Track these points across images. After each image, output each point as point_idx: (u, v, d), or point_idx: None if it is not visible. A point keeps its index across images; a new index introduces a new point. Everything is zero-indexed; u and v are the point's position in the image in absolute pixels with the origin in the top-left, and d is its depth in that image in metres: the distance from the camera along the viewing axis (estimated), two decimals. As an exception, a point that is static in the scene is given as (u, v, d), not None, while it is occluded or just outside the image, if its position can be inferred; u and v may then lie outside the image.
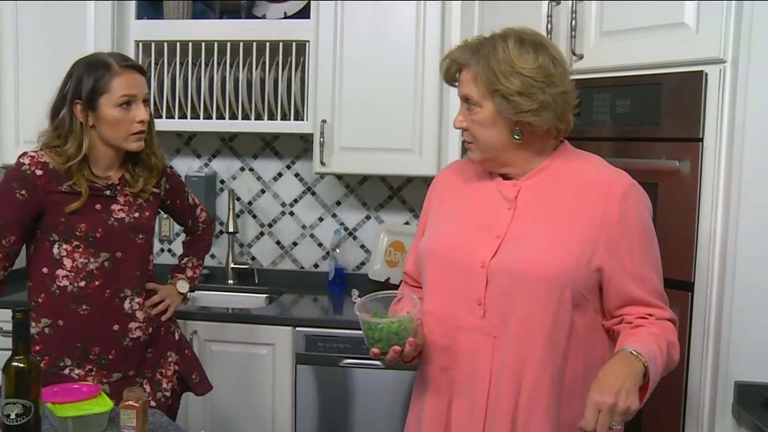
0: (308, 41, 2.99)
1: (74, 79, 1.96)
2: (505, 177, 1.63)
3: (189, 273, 2.31)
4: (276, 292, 3.21)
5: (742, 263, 1.84)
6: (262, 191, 3.42)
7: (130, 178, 2.03)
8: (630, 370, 1.41)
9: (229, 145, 3.42)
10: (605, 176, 1.58)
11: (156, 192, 2.09)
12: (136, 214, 2.03)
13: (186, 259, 2.34)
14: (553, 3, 2.18)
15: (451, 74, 1.62)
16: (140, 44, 3.11)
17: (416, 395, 1.72)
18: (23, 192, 1.92)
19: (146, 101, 1.99)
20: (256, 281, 3.31)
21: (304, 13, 3.09)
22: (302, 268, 3.41)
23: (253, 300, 3.23)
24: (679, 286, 1.91)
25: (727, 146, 1.83)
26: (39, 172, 1.92)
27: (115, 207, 2.00)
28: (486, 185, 1.65)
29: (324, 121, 2.91)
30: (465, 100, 1.57)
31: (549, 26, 2.19)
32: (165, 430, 1.66)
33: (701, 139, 1.87)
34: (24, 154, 1.97)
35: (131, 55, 3.04)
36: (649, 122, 1.97)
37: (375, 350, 1.52)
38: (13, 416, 1.48)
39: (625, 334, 1.53)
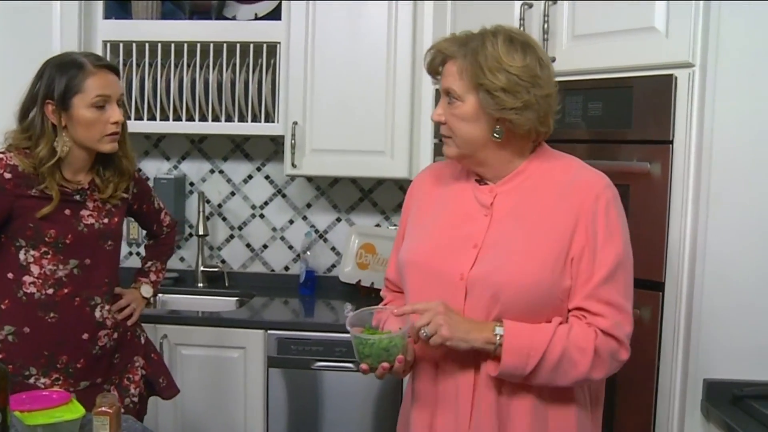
0: (279, 43, 2.97)
1: (45, 79, 1.92)
2: (481, 181, 1.62)
3: (152, 277, 2.29)
4: (246, 295, 3.19)
5: (711, 263, 1.88)
6: (232, 194, 3.39)
7: (100, 183, 1.99)
8: (474, 327, 1.47)
9: (198, 147, 3.39)
10: (581, 178, 1.56)
11: (125, 197, 2.06)
12: (106, 220, 2.00)
13: (150, 263, 2.31)
14: (526, 6, 2.20)
15: (434, 66, 1.59)
16: (108, 44, 3.06)
17: (404, 408, 1.71)
18: None
19: (120, 102, 1.96)
20: (227, 284, 3.28)
21: (275, 15, 3.08)
22: (273, 270, 3.39)
23: (224, 303, 3.20)
24: (649, 285, 1.94)
25: (696, 148, 1.87)
26: (8, 176, 1.88)
27: (84, 212, 1.96)
28: (463, 191, 1.64)
29: (295, 123, 2.90)
30: (447, 93, 1.55)
31: (521, 28, 2.20)
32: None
33: (671, 142, 1.90)
34: None
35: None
36: (620, 125, 2.00)
37: (364, 366, 1.50)
38: (-16, 423, 1.45)
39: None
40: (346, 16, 2.88)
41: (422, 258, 1.61)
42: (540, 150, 1.62)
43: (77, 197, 1.95)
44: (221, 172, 3.39)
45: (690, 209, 1.88)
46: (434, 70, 1.60)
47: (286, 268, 3.38)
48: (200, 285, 3.29)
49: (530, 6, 2.20)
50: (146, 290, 2.23)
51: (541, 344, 1.44)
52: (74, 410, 1.61)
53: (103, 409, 1.52)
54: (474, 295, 1.52)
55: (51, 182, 1.89)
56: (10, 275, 1.93)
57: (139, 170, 2.23)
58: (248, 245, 3.39)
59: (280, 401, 2.74)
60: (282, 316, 2.97)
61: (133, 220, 2.98)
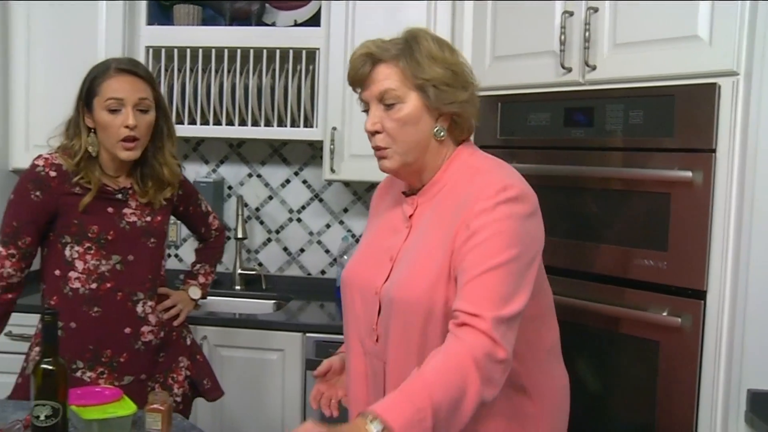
0: (318, 49, 3.01)
1: (82, 81, 2.00)
2: (408, 193, 1.59)
3: (201, 279, 2.33)
4: (283, 298, 3.23)
5: (754, 272, 1.86)
6: (270, 197, 3.43)
7: (138, 189, 2.03)
8: None
9: (237, 151, 3.44)
10: (478, 184, 1.45)
11: (168, 198, 2.10)
12: (148, 218, 2.04)
13: (198, 266, 2.36)
14: (567, 14, 2.21)
15: (364, 73, 1.50)
16: (150, 50, 3.13)
17: None
18: (38, 193, 1.95)
19: (143, 109, 1.96)
20: (264, 287, 3.33)
21: (314, 21, 3.12)
22: (309, 274, 3.43)
23: (261, 306, 3.24)
24: (692, 294, 1.93)
25: (740, 157, 1.86)
26: (53, 174, 1.95)
27: (127, 211, 2.01)
28: (398, 203, 1.62)
29: (334, 129, 2.93)
30: (381, 98, 1.49)
31: (562, 37, 2.21)
32: (181, 428, 1.67)
33: (714, 150, 1.89)
34: (39, 156, 2.00)
35: (141, 60, 3.06)
36: (661, 133, 2.00)
37: None
38: (42, 417, 1.49)
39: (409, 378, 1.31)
40: (383, 22, 2.91)
41: (351, 274, 1.61)
42: (461, 150, 1.56)
43: (119, 196, 2.01)
44: (259, 176, 3.43)
45: (733, 217, 1.87)
46: (361, 77, 1.52)
47: (323, 272, 3.41)
48: (237, 287, 3.34)
49: (571, 14, 2.20)
50: (194, 292, 2.27)
51: (423, 402, 1.24)
52: (126, 407, 1.66)
53: (156, 406, 1.57)
54: (383, 310, 1.50)
55: (87, 175, 1.95)
56: (57, 272, 1.99)
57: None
58: (285, 249, 3.44)
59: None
60: (319, 320, 3.00)
61: (173, 222, 3.10)
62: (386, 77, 1.48)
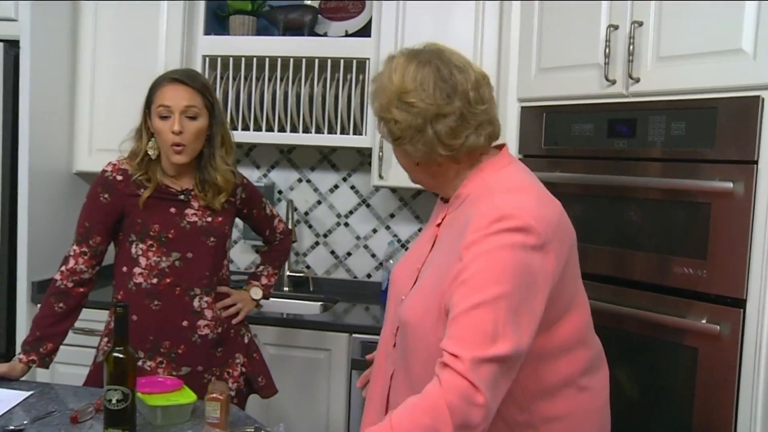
0: (368, 59, 3.11)
1: (149, 89, 2.14)
2: (444, 199, 1.59)
3: (264, 281, 2.42)
4: (330, 300, 3.32)
5: (794, 282, 1.90)
6: (319, 202, 3.54)
7: (198, 191, 2.15)
8: None
9: (287, 157, 3.56)
10: (481, 210, 1.39)
11: (231, 200, 2.21)
12: (209, 219, 2.15)
13: (262, 267, 2.45)
14: (612, 28, 2.27)
15: None
16: (207, 59, 3.26)
17: None
18: (106, 196, 2.09)
19: (191, 116, 2.05)
20: (311, 289, 3.44)
21: (365, 31, 3.22)
22: (355, 277, 3.52)
23: (308, 307, 3.34)
24: (731, 302, 1.97)
25: (782, 169, 1.90)
26: (119, 178, 2.09)
27: (189, 211, 2.13)
28: (437, 212, 1.64)
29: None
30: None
31: (607, 50, 2.27)
32: (243, 422, 1.77)
33: (756, 162, 1.93)
34: (108, 163, 2.14)
35: (198, 68, 3.20)
36: (703, 144, 2.04)
37: None
38: (114, 401, 1.61)
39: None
40: (432, 34, 2.99)
41: (394, 276, 1.64)
42: (485, 163, 1.51)
43: (182, 197, 2.13)
44: (308, 181, 3.55)
45: (773, 228, 1.91)
46: None
47: (368, 276, 3.51)
48: (286, 289, 3.45)
49: (616, 28, 2.26)
50: (255, 292, 2.37)
51: None
52: (187, 396, 1.77)
53: (215, 395, 1.67)
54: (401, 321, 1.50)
55: (147, 173, 2.09)
56: (124, 269, 2.12)
57: (247, 179, 2.35)
58: (332, 252, 3.54)
59: (362, 401, 2.84)
60: (365, 321, 3.09)
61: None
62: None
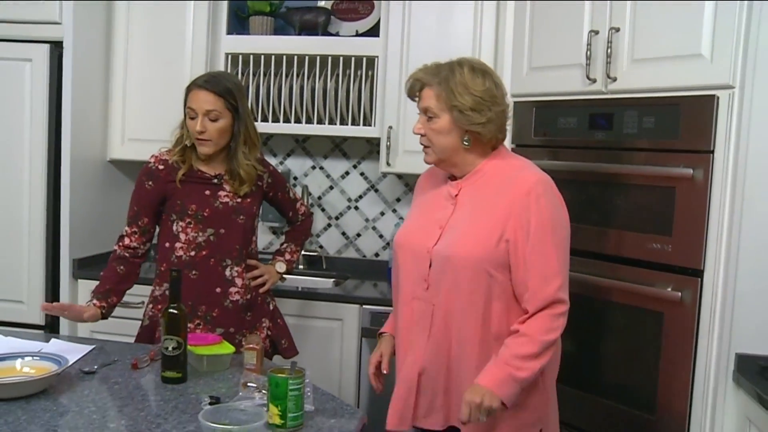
0: (377, 56, 3.40)
1: None
2: (453, 178, 2.03)
3: (287, 256, 2.73)
4: (341, 277, 3.64)
5: (744, 254, 2.21)
6: (331, 187, 3.85)
7: (229, 177, 2.45)
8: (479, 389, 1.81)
9: (302, 146, 3.87)
10: (518, 176, 1.92)
11: (259, 185, 2.52)
12: (239, 200, 2.45)
13: (285, 245, 2.77)
14: (593, 33, 2.57)
15: (414, 91, 2.01)
16: (229, 56, 3.55)
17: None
18: (150, 183, 2.41)
19: (212, 118, 2.34)
20: (324, 267, 3.76)
21: (373, 31, 3.52)
22: (364, 256, 3.84)
23: (322, 283, 3.66)
24: (690, 272, 2.29)
25: (733, 157, 2.20)
26: (161, 167, 2.41)
27: (221, 193, 2.43)
28: (441, 186, 2.05)
29: (390, 128, 3.33)
30: (425, 111, 1.96)
31: (588, 52, 2.58)
32: (269, 366, 2.09)
33: (712, 151, 2.24)
34: (151, 155, 2.46)
35: (221, 65, 3.51)
36: (669, 136, 2.35)
37: None
38: (170, 349, 1.94)
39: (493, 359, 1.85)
40: (435, 36, 3.27)
41: (405, 236, 2.05)
42: (497, 151, 2.01)
43: (215, 181, 2.44)
44: (321, 168, 3.86)
45: (727, 208, 2.21)
46: (413, 94, 2.02)
47: (376, 255, 3.82)
48: (301, 267, 3.76)
49: (596, 33, 2.56)
50: (280, 266, 2.68)
51: (506, 377, 1.80)
52: (226, 347, 2.10)
53: (252, 345, 2.00)
54: (435, 264, 1.93)
55: (183, 156, 2.40)
56: (167, 244, 2.44)
57: (272, 166, 2.65)
58: (343, 233, 3.85)
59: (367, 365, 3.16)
60: (374, 294, 3.40)
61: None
62: (428, 97, 1.95)
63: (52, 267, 3.37)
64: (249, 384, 1.82)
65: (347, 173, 3.84)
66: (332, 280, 3.67)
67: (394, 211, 3.79)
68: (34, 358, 1.93)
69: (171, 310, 1.96)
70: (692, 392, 2.31)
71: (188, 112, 2.37)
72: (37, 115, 3.27)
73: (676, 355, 2.34)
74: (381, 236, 3.81)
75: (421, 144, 2.01)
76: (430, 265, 1.95)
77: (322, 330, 3.22)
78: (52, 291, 3.37)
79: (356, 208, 3.84)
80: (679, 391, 2.33)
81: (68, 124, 3.30)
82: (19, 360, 1.91)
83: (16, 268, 3.33)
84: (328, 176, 3.86)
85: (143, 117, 3.56)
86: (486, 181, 1.97)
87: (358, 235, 3.85)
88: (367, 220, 3.83)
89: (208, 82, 2.39)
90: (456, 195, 1.99)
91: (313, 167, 3.87)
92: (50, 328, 3.29)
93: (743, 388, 2.19)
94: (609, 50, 2.51)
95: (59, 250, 3.36)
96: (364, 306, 3.18)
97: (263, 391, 1.78)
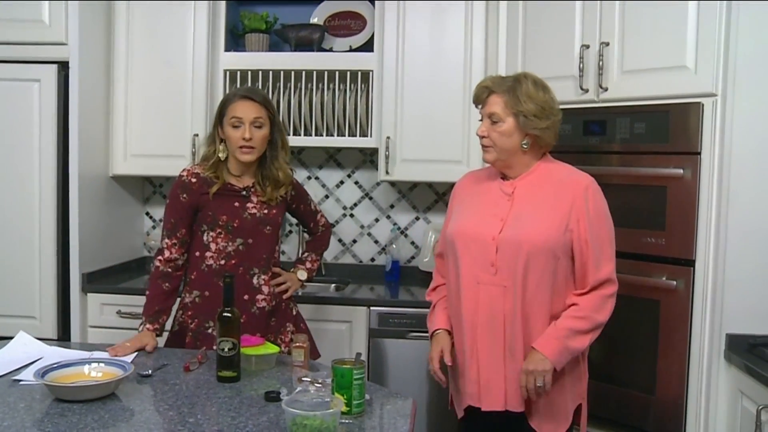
0: (372, 70, 3.58)
1: (219, 105, 2.60)
2: (505, 178, 2.26)
3: (308, 265, 2.86)
4: (342, 282, 3.80)
5: (731, 244, 2.46)
6: (326, 196, 4.01)
7: (259, 188, 2.60)
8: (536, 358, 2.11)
9: (297, 157, 4.01)
10: (574, 176, 2.22)
11: (283, 196, 2.67)
12: (266, 211, 2.60)
13: (306, 254, 2.91)
14: (584, 47, 2.79)
15: (482, 98, 2.23)
16: (227, 72, 3.68)
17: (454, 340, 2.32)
18: (184, 195, 2.53)
19: (258, 125, 2.50)
20: (323, 273, 3.91)
21: (367, 46, 3.70)
22: (361, 261, 4.01)
23: (323, 288, 3.82)
24: (683, 262, 2.53)
25: (719, 158, 2.45)
26: (193, 180, 2.54)
27: (249, 205, 2.57)
28: (491, 186, 2.28)
29: (388, 138, 3.51)
30: (490, 116, 2.19)
31: (581, 65, 2.80)
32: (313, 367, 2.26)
33: (699, 153, 2.48)
34: (183, 169, 2.58)
35: (220, 81, 3.65)
36: (659, 140, 2.58)
37: None
38: (226, 350, 2.08)
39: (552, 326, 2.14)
40: (428, 50, 3.48)
41: (465, 228, 2.25)
42: (546, 157, 2.28)
43: (243, 193, 2.57)
44: (317, 178, 4.02)
45: (714, 203, 2.46)
46: (480, 101, 2.25)
47: (372, 260, 4.00)
48: (302, 273, 3.91)
49: (588, 47, 2.79)
50: (301, 274, 2.81)
51: (560, 346, 2.10)
52: (271, 348, 2.25)
53: (299, 344, 2.16)
54: (502, 250, 2.15)
55: (216, 170, 2.53)
56: (197, 253, 2.56)
57: (296, 180, 2.80)
58: (340, 240, 4.02)
59: (380, 365, 3.34)
60: (375, 296, 3.55)
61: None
62: (495, 104, 2.20)
63: (62, 282, 3.45)
64: (303, 379, 1.97)
65: (342, 182, 4.00)
66: (333, 285, 3.83)
67: (388, 217, 3.97)
68: (100, 364, 2.05)
69: (225, 314, 2.10)
70: (688, 371, 2.54)
71: (232, 121, 2.49)
72: (46, 133, 3.36)
73: (672, 337, 2.57)
74: (376, 242, 3.99)
75: (483, 144, 2.24)
76: (496, 252, 2.15)
77: (333, 332, 3.36)
78: (63, 306, 3.45)
79: (351, 215, 4.00)
80: (676, 371, 2.56)
81: (75, 141, 3.40)
82: (86, 366, 2.03)
83: (28, 284, 3.40)
84: (323, 186, 4.02)
85: (145, 134, 3.67)
86: (541, 181, 2.22)
87: (354, 241, 4.01)
88: (362, 226, 4.00)
89: (250, 91, 2.55)
90: (512, 192, 2.22)
91: (309, 177, 4.02)
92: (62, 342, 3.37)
93: (734, 364, 2.43)
94: (600, 63, 2.74)
95: (69, 265, 3.45)
96: (371, 308, 3.35)
97: (317, 384, 1.94)
